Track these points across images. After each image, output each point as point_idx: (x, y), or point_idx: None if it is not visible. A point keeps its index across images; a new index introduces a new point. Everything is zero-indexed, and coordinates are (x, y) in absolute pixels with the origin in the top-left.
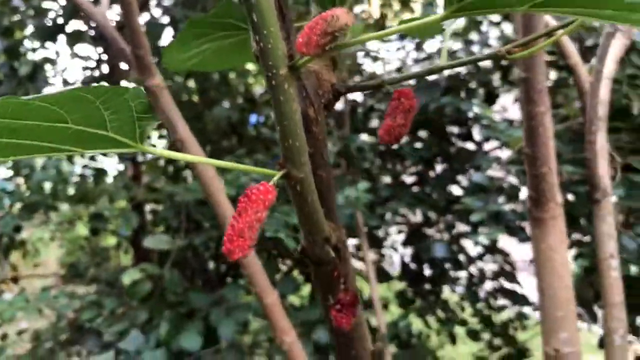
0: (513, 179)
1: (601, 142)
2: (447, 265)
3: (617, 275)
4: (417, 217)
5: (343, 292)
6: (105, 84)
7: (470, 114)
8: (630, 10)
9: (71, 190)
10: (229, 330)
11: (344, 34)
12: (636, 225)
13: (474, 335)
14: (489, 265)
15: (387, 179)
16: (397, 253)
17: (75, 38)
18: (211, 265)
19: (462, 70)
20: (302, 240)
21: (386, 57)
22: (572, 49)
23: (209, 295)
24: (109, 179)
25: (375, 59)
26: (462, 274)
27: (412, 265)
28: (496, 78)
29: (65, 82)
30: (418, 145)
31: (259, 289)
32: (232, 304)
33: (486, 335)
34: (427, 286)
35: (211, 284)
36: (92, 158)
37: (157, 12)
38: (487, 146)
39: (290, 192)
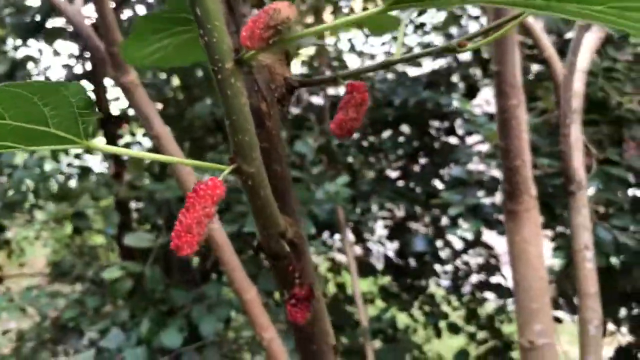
0: (494, 172)
1: (576, 135)
2: (431, 259)
3: (592, 267)
4: (402, 212)
5: (298, 287)
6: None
7: (451, 108)
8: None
9: (54, 188)
10: (210, 327)
11: (287, 27)
12: (613, 217)
13: (455, 329)
14: (474, 259)
15: (370, 175)
16: (384, 247)
17: (54, 35)
18: (195, 263)
19: (443, 64)
20: (258, 235)
21: (371, 51)
22: (546, 42)
23: (191, 292)
24: (92, 177)
25: (360, 54)
26: (448, 267)
27: (397, 260)
28: (478, 73)
29: (48, 80)
30: (401, 139)
31: (238, 286)
32: (213, 301)
33: (471, 329)
34: (411, 280)
35: (195, 282)
36: (77, 156)
37: (140, 8)
38: (469, 140)
39: (242, 187)
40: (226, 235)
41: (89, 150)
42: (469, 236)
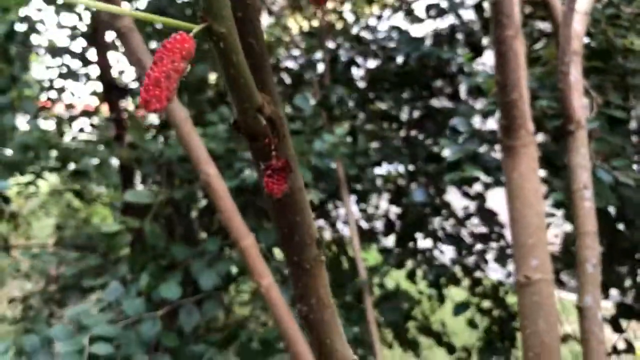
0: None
1: (576, 76)
2: (432, 212)
3: (591, 205)
4: (404, 181)
5: (275, 159)
6: None
7: (454, 67)
8: None
9: (53, 153)
10: (209, 281)
11: None
12: (613, 159)
13: (456, 281)
14: (479, 227)
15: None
16: (386, 218)
17: None
18: (197, 225)
19: (446, 25)
20: (234, 113)
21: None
22: None
23: (191, 248)
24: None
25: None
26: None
27: (398, 223)
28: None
29: (52, 49)
30: (405, 95)
31: (235, 233)
32: (213, 256)
33: (475, 300)
34: (414, 243)
35: (197, 242)
36: (82, 130)
37: None
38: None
39: (214, 52)
40: (225, 184)
41: (95, 112)
42: (469, 192)
